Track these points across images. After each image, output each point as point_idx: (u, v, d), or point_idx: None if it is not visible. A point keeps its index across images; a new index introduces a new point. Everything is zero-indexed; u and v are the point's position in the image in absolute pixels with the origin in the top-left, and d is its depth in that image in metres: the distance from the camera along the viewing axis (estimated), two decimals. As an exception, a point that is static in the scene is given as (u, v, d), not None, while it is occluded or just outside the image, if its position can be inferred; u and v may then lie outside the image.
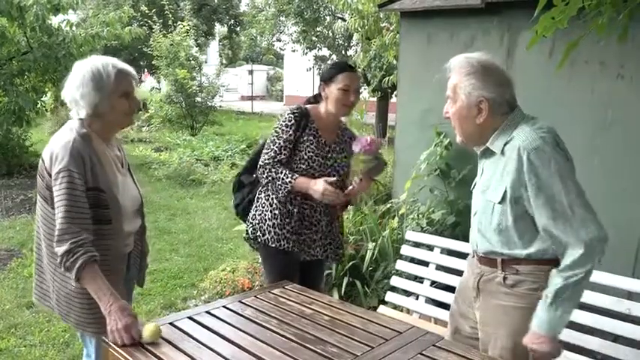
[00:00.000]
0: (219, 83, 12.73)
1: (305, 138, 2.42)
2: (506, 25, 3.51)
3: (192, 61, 12.23)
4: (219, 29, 24.39)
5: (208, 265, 4.73)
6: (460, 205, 3.67)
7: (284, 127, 2.41)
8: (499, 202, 1.73)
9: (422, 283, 3.01)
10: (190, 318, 1.95)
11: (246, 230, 2.58)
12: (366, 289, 3.71)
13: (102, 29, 7.73)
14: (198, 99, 12.08)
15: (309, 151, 2.43)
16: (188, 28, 12.16)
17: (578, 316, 2.37)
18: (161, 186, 7.96)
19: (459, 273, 2.49)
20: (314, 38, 13.88)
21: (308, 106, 2.52)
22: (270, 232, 2.46)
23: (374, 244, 3.87)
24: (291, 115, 2.42)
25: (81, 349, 2.21)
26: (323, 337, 1.82)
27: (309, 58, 15.21)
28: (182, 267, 4.75)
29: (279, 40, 17.07)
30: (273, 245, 2.46)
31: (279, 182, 2.37)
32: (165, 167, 8.59)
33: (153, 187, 7.82)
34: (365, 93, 10.28)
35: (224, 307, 2.07)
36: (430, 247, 3.05)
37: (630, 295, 2.43)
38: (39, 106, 7.61)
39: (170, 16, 12.59)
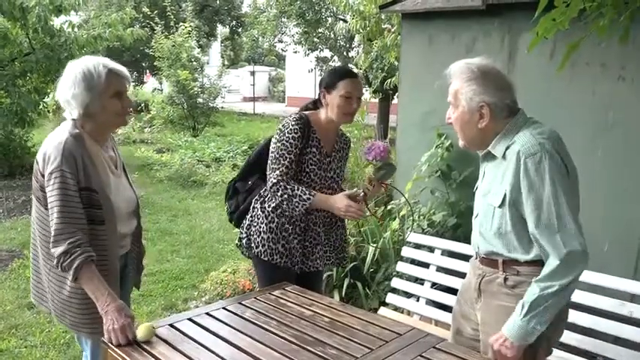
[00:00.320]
0: (221, 84, 12.74)
1: (307, 150, 2.34)
2: (507, 26, 3.50)
3: (194, 63, 12.24)
4: (221, 30, 24.42)
5: (209, 267, 4.73)
6: (461, 206, 3.67)
7: (291, 140, 2.29)
8: (499, 206, 1.74)
9: (422, 284, 3.01)
10: (190, 319, 1.95)
11: (239, 238, 2.50)
12: (367, 290, 3.71)
13: (104, 30, 7.73)
14: (200, 100, 12.10)
15: (311, 164, 2.35)
16: (190, 29, 12.18)
17: (580, 318, 2.37)
18: (162, 187, 7.97)
19: (460, 275, 2.49)
20: (316, 39, 13.87)
21: (308, 113, 2.42)
22: (263, 246, 2.37)
23: (375, 245, 3.87)
24: (297, 127, 2.30)
25: (81, 350, 2.21)
26: (322, 338, 1.82)
27: (311, 59, 15.22)
28: (183, 268, 4.75)
29: (280, 41, 17.05)
30: (266, 259, 2.37)
31: (296, 200, 2.26)
32: (166, 168, 8.61)
33: (154, 189, 7.83)
34: (366, 94, 10.28)
35: (224, 308, 2.06)
36: (431, 249, 3.05)
37: (632, 298, 2.43)
38: (41, 107, 7.61)
39: (172, 17, 12.59)
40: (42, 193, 1.89)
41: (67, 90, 1.90)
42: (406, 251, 3.11)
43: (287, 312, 2.03)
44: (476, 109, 1.75)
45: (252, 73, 24.15)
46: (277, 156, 2.30)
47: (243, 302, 2.12)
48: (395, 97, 9.96)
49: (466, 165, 3.62)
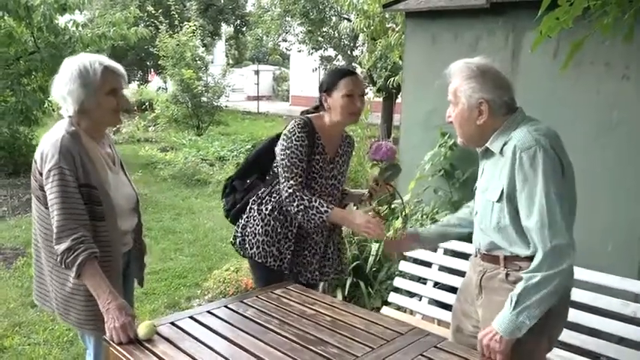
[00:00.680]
0: (225, 83, 12.75)
1: (312, 157, 2.30)
2: (511, 25, 3.49)
3: (199, 62, 12.26)
4: (226, 29, 24.44)
5: (212, 265, 4.74)
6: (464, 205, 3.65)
7: (300, 148, 2.24)
8: (497, 201, 1.76)
9: (425, 284, 3.01)
10: (191, 317, 1.95)
11: (234, 236, 2.46)
12: (370, 289, 3.70)
13: (108, 29, 7.75)
14: (204, 99, 12.11)
15: (313, 172, 2.32)
16: (194, 28, 12.20)
17: (584, 318, 2.36)
18: (166, 186, 7.99)
19: (463, 274, 2.49)
20: (320, 38, 13.86)
21: (311, 116, 2.36)
22: (258, 247, 2.34)
23: (377, 244, 3.86)
24: (303, 135, 2.26)
25: (84, 348, 2.22)
26: (324, 337, 1.82)
27: (315, 58, 15.22)
28: (186, 266, 4.76)
29: (285, 40, 17.06)
30: (260, 261, 2.35)
31: (313, 212, 2.20)
32: (170, 167, 8.62)
33: (158, 187, 7.85)
34: (370, 93, 10.27)
35: (225, 306, 2.07)
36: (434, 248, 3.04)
37: (636, 298, 2.42)
38: (46, 105, 7.64)
39: (176, 16, 12.61)
40: (41, 192, 1.89)
41: (63, 86, 1.91)
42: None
43: (289, 311, 2.03)
44: (475, 105, 1.78)
45: (257, 72, 24.19)
46: (289, 164, 2.24)
47: (244, 300, 2.12)
48: (399, 96, 9.95)
49: (469, 164, 3.60)
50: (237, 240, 2.43)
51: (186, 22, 12.46)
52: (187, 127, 12.28)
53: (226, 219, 2.57)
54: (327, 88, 2.31)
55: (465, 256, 2.84)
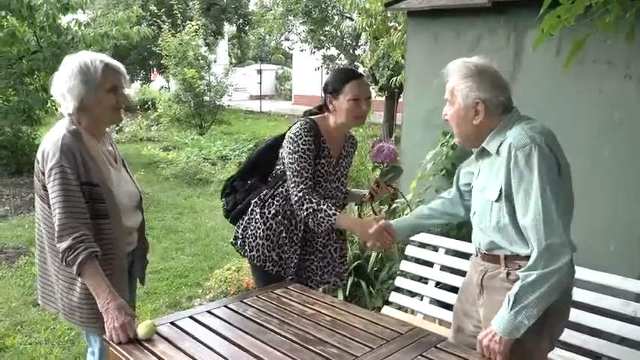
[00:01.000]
0: (228, 82, 12.75)
1: (317, 161, 2.27)
2: (512, 24, 3.48)
3: (201, 61, 12.26)
4: (228, 28, 24.46)
5: (214, 264, 4.74)
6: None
7: (307, 152, 2.22)
8: (496, 200, 1.76)
9: (426, 283, 3.00)
10: (191, 317, 1.95)
11: (235, 237, 2.44)
12: (371, 289, 3.70)
13: (111, 29, 7.75)
14: (207, 98, 12.12)
15: (318, 175, 2.30)
16: (197, 27, 12.20)
17: (585, 317, 2.35)
18: (168, 185, 8.00)
19: (464, 274, 2.48)
20: (322, 37, 13.85)
21: (315, 118, 2.32)
22: (257, 251, 2.32)
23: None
24: (310, 139, 2.23)
25: (86, 347, 2.22)
26: (323, 337, 1.81)
27: (318, 57, 15.20)
28: (188, 266, 4.76)
29: (287, 39, 17.05)
30: (258, 264, 2.34)
31: (322, 215, 2.17)
32: (172, 166, 8.63)
33: (160, 186, 7.86)
34: (372, 92, 10.25)
35: (225, 306, 2.07)
36: (435, 248, 3.03)
37: (637, 298, 2.40)
38: (48, 105, 7.65)
39: (179, 15, 12.64)
40: (45, 192, 1.89)
41: (63, 83, 1.91)
42: (410, 250, 3.09)
43: (288, 310, 2.03)
44: (471, 105, 1.78)
45: (259, 72, 24.17)
46: (299, 169, 2.21)
47: (244, 300, 2.12)
48: (401, 95, 9.93)
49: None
50: (238, 241, 2.42)
51: (188, 21, 12.47)
52: (190, 126, 12.30)
53: (226, 219, 2.54)
54: (332, 90, 2.27)
55: (466, 255, 2.83)
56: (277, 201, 2.32)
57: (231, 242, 2.49)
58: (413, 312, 3.03)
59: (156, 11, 12.89)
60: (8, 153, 8.28)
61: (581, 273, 2.30)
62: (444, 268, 2.93)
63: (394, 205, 4.33)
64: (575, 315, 2.31)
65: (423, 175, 3.82)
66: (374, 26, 7.37)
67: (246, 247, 2.37)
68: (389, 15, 7.23)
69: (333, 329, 1.88)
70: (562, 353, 2.36)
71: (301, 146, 2.22)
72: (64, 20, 7.56)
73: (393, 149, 2.37)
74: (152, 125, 12.84)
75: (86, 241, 1.81)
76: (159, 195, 7.33)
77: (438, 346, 1.78)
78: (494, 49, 3.47)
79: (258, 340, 1.79)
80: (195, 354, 1.68)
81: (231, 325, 1.91)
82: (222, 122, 12.97)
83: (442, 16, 3.84)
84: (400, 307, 3.12)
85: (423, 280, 3.05)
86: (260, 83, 23.65)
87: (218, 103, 12.46)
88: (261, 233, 2.32)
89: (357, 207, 3.91)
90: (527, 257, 1.70)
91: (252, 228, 2.35)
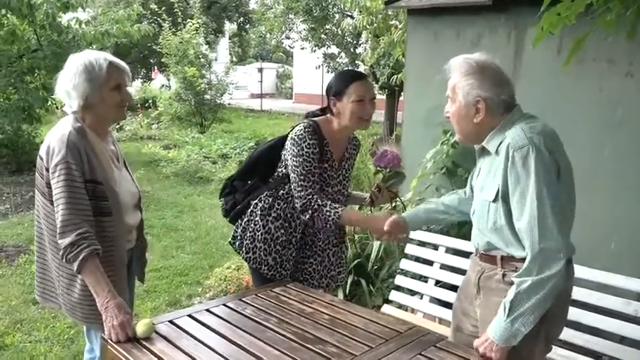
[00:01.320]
0: (229, 81, 12.74)
1: (320, 165, 2.24)
2: (513, 22, 3.47)
3: (202, 59, 12.25)
4: (229, 27, 24.43)
5: (214, 263, 4.74)
6: (466, 204, 3.64)
7: (312, 156, 2.18)
8: (493, 201, 1.74)
9: (426, 282, 2.99)
10: (190, 316, 1.95)
11: (234, 236, 2.41)
12: (371, 287, 3.69)
13: (111, 27, 7.74)
14: (207, 97, 12.11)
15: (320, 180, 2.27)
16: (197, 25, 12.18)
17: (586, 317, 2.35)
18: (169, 183, 8.00)
19: (464, 272, 2.47)
20: (323, 36, 13.83)
21: (318, 120, 2.27)
22: (254, 253, 2.30)
23: (379, 242, 3.84)
24: (314, 142, 2.19)
25: (84, 345, 2.22)
26: (323, 336, 1.81)
27: (318, 55, 15.18)
28: (188, 264, 4.76)
29: (288, 37, 17.03)
30: (254, 266, 2.32)
31: (328, 209, 2.14)
32: (173, 164, 8.63)
33: (160, 185, 7.86)
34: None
35: (224, 305, 2.06)
36: (435, 247, 3.03)
37: (638, 297, 2.39)
38: (49, 103, 7.66)
39: (179, 13, 12.62)
40: (48, 188, 1.89)
41: (68, 81, 1.92)
42: (410, 249, 3.09)
43: (287, 309, 2.02)
44: (472, 103, 1.75)
45: (260, 70, 24.16)
46: (305, 172, 2.18)
47: (243, 299, 2.11)
48: (401, 93, 9.93)
49: (472, 162, 3.55)
50: (237, 242, 2.39)
51: (189, 20, 12.45)
52: (190, 124, 12.29)
53: (225, 218, 2.52)
54: (335, 92, 2.22)
55: (466, 254, 2.82)
56: (278, 204, 2.29)
57: (230, 242, 2.47)
58: (413, 310, 3.02)
59: (156, 9, 12.88)
60: (9, 151, 8.29)
61: (582, 272, 2.29)
62: (444, 266, 2.93)
63: (394, 204, 4.33)
64: (576, 314, 2.30)
65: (424, 173, 3.82)
66: (374, 24, 7.36)
67: (244, 248, 2.34)
68: (390, 13, 7.21)
69: (333, 328, 1.87)
70: (563, 352, 2.35)
71: (305, 149, 2.18)
72: (65, 18, 7.56)
73: (397, 154, 2.33)
74: (153, 123, 12.84)
75: (89, 238, 1.81)
76: (159, 193, 7.32)
77: (437, 345, 1.77)
78: (494, 47, 3.46)
79: (257, 338, 1.78)
80: (194, 353, 1.68)
81: (230, 323, 1.90)
82: (222, 121, 12.97)
83: (442, 14, 3.83)
84: (400, 306, 3.12)
85: (423, 278, 3.04)
86: (261, 82, 23.63)
87: (219, 101, 12.45)
88: (260, 236, 2.29)
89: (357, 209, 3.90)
90: (523, 260, 1.68)
91: (250, 229, 2.33)
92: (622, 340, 2.28)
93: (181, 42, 11.82)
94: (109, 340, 1.74)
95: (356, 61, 13.47)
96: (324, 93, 2.32)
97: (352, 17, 12.00)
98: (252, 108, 20.45)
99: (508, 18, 3.49)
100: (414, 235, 3.10)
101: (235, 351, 1.71)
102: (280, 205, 2.29)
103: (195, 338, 1.78)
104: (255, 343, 1.75)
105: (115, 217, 1.96)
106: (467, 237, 3.06)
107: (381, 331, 1.86)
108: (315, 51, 14.73)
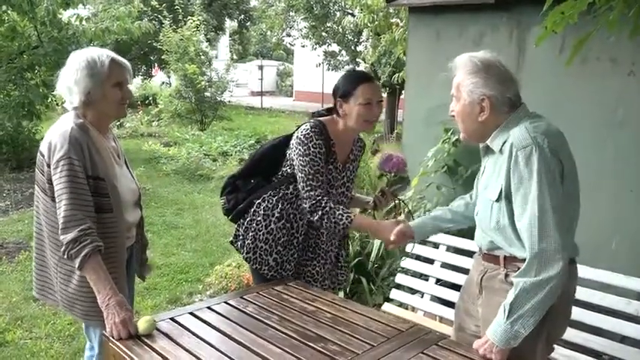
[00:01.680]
0: (229, 78, 12.73)
1: (326, 166, 2.22)
2: (515, 21, 3.46)
3: (202, 56, 12.23)
4: (230, 24, 24.37)
5: (214, 260, 4.74)
6: (467, 202, 3.64)
7: (319, 156, 2.16)
8: (496, 200, 1.73)
9: (427, 280, 3.00)
10: (191, 313, 1.95)
11: (235, 235, 2.38)
12: (372, 286, 3.70)
13: (112, 24, 7.72)
14: (208, 94, 12.10)
15: (325, 182, 2.25)
16: (198, 23, 12.16)
17: (586, 316, 2.35)
18: (169, 181, 7.99)
19: (465, 271, 2.47)
20: (323, 34, 13.81)
21: (324, 120, 2.24)
22: (255, 253, 2.28)
23: (379, 241, 3.85)
24: (321, 142, 2.17)
25: (85, 342, 2.22)
26: (324, 334, 1.81)
27: (319, 53, 15.17)
28: (188, 262, 4.76)
29: (288, 35, 17.01)
30: (255, 267, 2.30)
31: (340, 212, 2.11)
32: (173, 162, 8.63)
33: (161, 182, 7.85)
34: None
35: (225, 302, 2.06)
36: (436, 245, 3.03)
37: (639, 296, 2.40)
38: (49, 100, 7.65)
39: (180, 10, 12.58)
40: (49, 185, 1.89)
41: (70, 77, 1.92)
42: (411, 247, 3.08)
43: (289, 307, 2.02)
44: (477, 101, 1.74)
45: (260, 68, 24.12)
46: (312, 172, 2.15)
47: (245, 297, 2.11)
48: (402, 91, 9.93)
49: (473, 160, 3.58)
50: (238, 242, 2.37)
51: (189, 17, 12.43)
52: (190, 122, 12.28)
53: (226, 217, 2.48)
54: (343, 94, 2.19)
55: (466, 253, 2.83)
56: (282, 204, 2.26)
57: (231, 241, 2.44)
58: (414, 309, 3.03)
59: (157, 6, 12.83)
60: (9, 148, 8.27)
61: (584, 271, 2.29)
62: (444, 265, 2.93)
63: (399, 211, 4.33)
64: (577, 313, 2.30)
65: (425, 172, 3.82)
66: (375, 22, 7.35)
67: (245, 248, 2.32)
68: (391, 11, 7.20)
69: (334, 326, 1.87)
70: (564, 352, 2.35)
71: (312, 149, 2.15)
72: (65, 15, 7.54)
73: (403, 159, 2.31)
74: (153, 121, 12.83)
75: (92, 234, 1.81)
76: (159, 191, 7.32)
77: (439, 343, 1.76)
78: (496, 46, 3.45)
79: (258, 336, 1.78)
80: (195, 350, 1.68)
81: (231, 321, 1.90)
82: (223, 118, 12.96)
83: (444, 12, 3.82)
84: (401, 304, 3.12)
85: (424, 277, 3.05)
86: (261, 79, 23.60)
87: (219, 99, 12.44)
88: (261, 236, 2.27)
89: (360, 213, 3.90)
90: (524, 260, 1.67)
91: (252, 229, 2.30)
92: (623, 339, 2.29)
93: (182, 39, 11.81)
94: (111, 337, 1.74)
95: (357, 59, 13.45)
96: (331, 93, 2.27)
97: (353, 15, 11.99)
98: (253, 105, 20.43)
99: (510, 17, 3.48)
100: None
101: (237, 349, 1.71)
102: (284, 206, 2.26)
103: (197, 336, 1.78)
104: (257, 341, 1.75)
105: (116, 213, 1.96)
106: (467, 236, 3.06)
107: (383, 330, 1.86)
108: (315, 49, 14.72)
